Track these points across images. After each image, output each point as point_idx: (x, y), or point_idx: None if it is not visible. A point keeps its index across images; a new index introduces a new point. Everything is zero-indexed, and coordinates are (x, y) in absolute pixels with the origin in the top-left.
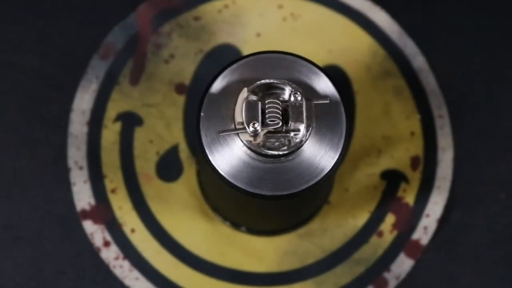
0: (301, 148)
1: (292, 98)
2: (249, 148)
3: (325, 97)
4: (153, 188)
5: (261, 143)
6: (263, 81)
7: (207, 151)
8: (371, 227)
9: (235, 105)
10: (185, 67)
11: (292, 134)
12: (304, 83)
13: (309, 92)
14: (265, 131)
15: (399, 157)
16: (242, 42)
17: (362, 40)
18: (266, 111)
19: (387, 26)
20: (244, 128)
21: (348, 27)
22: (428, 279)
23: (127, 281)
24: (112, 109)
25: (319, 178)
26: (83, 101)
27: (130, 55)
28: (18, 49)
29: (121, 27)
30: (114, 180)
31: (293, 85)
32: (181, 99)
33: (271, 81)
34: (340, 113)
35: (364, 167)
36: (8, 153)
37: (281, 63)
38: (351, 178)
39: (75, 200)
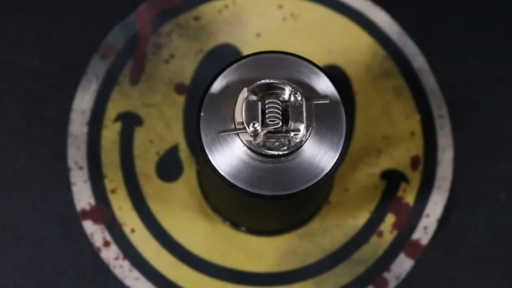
0: (301, 148)
1: (292, 98)
2: (249, 148)
3: (325, 97)
4: (153, 188)
5: (261, 143)
6: (263, 81)
7: (207, 151)
8: (371, 227)
9: (235, 105)
10: (185, 67)
11: (292, 134)
12: (304, 83)
13: (309, 92)
14: (265, 131)
15: (399, 157)
16: (242, 42)
17: (362, 40)
18: (266, 111)
19: (387, 26)
20: (244, 128)
21: (348, 27)
22: (428, 279)
23: (127, 281)
24: (112, 109)
25: (319, 178)
26: (83, 101)
27: (130, 55)
28: (18, 49)
29: (121, 27)
30: (114, 180)
31: (293, 85)
32: (181, 99)
33: (271, 81)
34: (340, 113)
35: (364, 167)
36: (8, 153)
37: (281, 63)
38: (351, 178)
39: (75, 200)
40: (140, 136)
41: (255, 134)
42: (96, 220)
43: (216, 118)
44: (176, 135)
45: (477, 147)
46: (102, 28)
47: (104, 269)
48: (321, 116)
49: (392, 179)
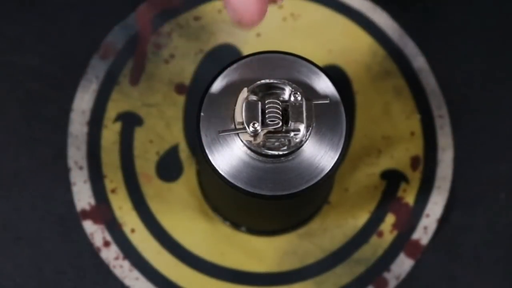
0: (301, 148)
1: (292, 98)
2: (249, 148)
3: (325, 97)
4: (153, 188)
5: (261, 143)
6: (263, 81)
7: (207, 151)
8: (371, 227)
9: (235, 105)
10: (185, 67)
11: (292, 134)
12: (304, 83)
13: (309, 92)
14: (265, 131)
15: (399, 157)
16: (242, 42)
17: (362, 40)
18: (266, 111)
19: (387, 26)
20: (244, 128)
21: (348, 27)
22: (428, 279)
23: (127, 281)
24: (112, 109)
25: (319, 178)
26: (83, 101)
27: (130, 55)
28: (18, 49)
29: (121, 27)
30: (114, 180)
31: (293, 85)
32: (181, 99)
33: (271, 81)
34: (340, 113)
35: (364, 167)
36: (8, 153)
37: (281, 63)
38: (351, 178)
39: (75, 200)
40: (140, 136)
41: (255, 134)
42: (96, 220)
43: (216, 118)
44: (176, 135)
45: (477, 147)
46: (102, 28)
47: (104, 269)
48: (321, 116)
49: (392, 179)
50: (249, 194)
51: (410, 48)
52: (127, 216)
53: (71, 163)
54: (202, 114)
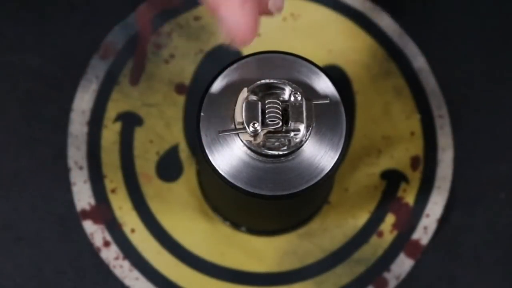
0: (301, 148)
1: (292, 98)
2: (249, 148)
3: (325, 97)
4: (153, 188)
5: (261, 143)
6: (263, 81)
7: (207, 151)
8: (371, 227)
9: (235, 105)
10: (185, 67)
11: (292, 134)
12: (304, 83)
13: (309, 92)
14: (265, 131)
15: (399, 157)
16: None
17: (362, 40)
18: (266, 111)
19: (387, 26)
20: (244, 128)
21: (348, 27)
22: (428, 279)
23: (127, 281)
24: (112, 109)
25: (319, 178)
26: (83, 101)
27: (130, 55)
28: (18, 49)
29: (121, 27)
30: (114, 180)
31: (293, 85)
32: (181, 99)
33: (271, 81)
34: (340, 113)
35: (364, 167)
36: (8, 153)
37: (281, 63)
38: (351, 178)
39: (75, 200)
40: (140, 136)
41: (255, 134)
42: (96, 220)
43: (216, 118)
44: (176, 135)
45: (477, 147)
46: (102, 28)
47: (104, 269)
48: (321, 116)
49: (392, 179)
50: (249, 194)
51: (410, 48)
52: (127, 216)
53: (71, 163)
54: (202, 114)
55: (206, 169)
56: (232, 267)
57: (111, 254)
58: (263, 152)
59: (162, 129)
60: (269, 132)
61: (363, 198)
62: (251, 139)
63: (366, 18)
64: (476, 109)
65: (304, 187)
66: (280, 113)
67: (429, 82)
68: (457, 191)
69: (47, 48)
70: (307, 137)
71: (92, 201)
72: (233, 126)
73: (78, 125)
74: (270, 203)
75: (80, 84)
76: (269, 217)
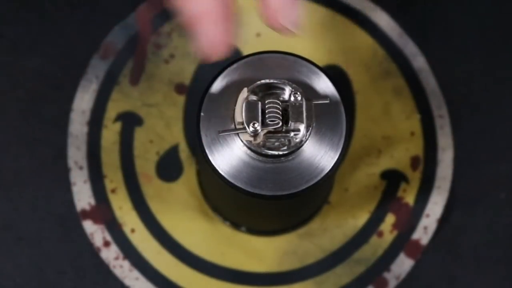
0: (301, 148)
1: (292, 98)
2: (249, 148)
3: (325, 97)
4: (153, 188)
5: (261, 143)
6: (263, 81)
7: (207, 151)
8: (371, 227)
9: (235, 105)
10: (185, 67)
11: (292, 134)
12: (304, 83)
13: (309, 92)
14: (265, 131)
15: (399, 157)
16: (242, 42)
17: (362, 40)
18: (266, 111)
19: (387, 26)
20: (244, 128)
21: (348, 27)
22: (428, 279)
23: (127, 281)
24: (112, 109)
25: (319, 178)
26: (83, 101)
27: (130, 55)
28: (18, 49)
29: (121, 27)
30: (114, 180)
31: (293, 85)
32: (181, 99)
33: (271, 81)
34: (340, 113)
35: (364, 167)
36: (8, 153)
37: (281, 63)
38: (351, 178)
39: (75, 200)
40: (140, 136)
41: (255, 134)
42: (96, 220)
43: (216, 118)
44: (176, 135)
45: (477, 147)
46: (102, 28)
47: (104, 269)
48: (321, 116)
49: (392, 179)
50: (249, 194)
51: (410, 48)
52: (127, 216)
53: (71, 163)
54: (202, 114)
55: (206, 169)
56: (232, 267)
57: (111, 254)
58: (263, 152)
59: (162, 129)
60: (269, 132)
61: (363, 198)
62: (251, 139)
63: (366, 18)
64: (476, 109)
65: (304, 187)
66: (280, 113)
67: (429, 82)
68: (457, 191)
69: (47, 48)
70: (307, 137)
71: (92, 201)
72: (233, 126)
73: (78, 125)
74: (270, 203)
75: (80, 84)
76: (269, 217)
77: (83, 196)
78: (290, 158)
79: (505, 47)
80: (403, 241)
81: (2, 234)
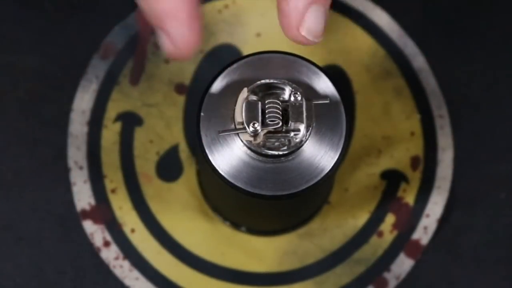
0: (301, 148)
1: (292, 98)
2: (249, 148)
3: (325, 97)
4: (153, 188)
5: (261, 143)
6: (263, 81)
7: (207, 151)
8: (371, 227)
9: (235, 105)
10: (185, 67)
11: (292, 134)
12: (304, 83)
13: (309, 92)
14: (265, 131)
15: (399, 157)
16: (242, 42)
17: (362, 40)
18: (266, 111)
19: (387, 26)
20: (244, 128)
21: (348, 27)
22: (428, 279)
23: (127, 281)
24: (112, 109)
25: (319, 178)
26: (83, 101)
27: (130, 55)
28: (18, 49)
29: (121, 27)
30: (114, 180)
31: (293, 85)
32: (181, 99)
33: (271, 81)
34: (340, 113)
35: (364, 167)
36: (8, 153)
37: (281, 63)
38: (351, 178)
39: (75, 200)
40: (140, 136)
41: (255, 134)
42: (96, 220)
43: (216, 118)
44: (176, 135)
45: (477, 147)
46: (102, 28)
47: (104, 269)
48: (321, 116)
49: (392, 179)
50: (249, 194)
51: (410, 48)
52: (127, 216)
53: (71, 163)
54: (202, 114)
55: (206, 169)
56: (232, 267)
57: (111, 254)
58: (263, 152)
59: (162, 129)
60: (269, 132)
61: (363, 198)
62: (251, 139)
63: (366, 18)
64: (476, 109)
65: (304, 187)
66: (280, 113)
67: (429, 82)
68: (457, 191)
69: (47, 48)
70: (307, 137)
71: (92, 201)
72: (233, 126)
73: (78, 125)
74: (270, 203)
75: (80, 84)
76: (269, 217)
77: (83, 196)
78: (290, 158)
79: (505, 47)
80: (403, 241)
81: (2, 234)
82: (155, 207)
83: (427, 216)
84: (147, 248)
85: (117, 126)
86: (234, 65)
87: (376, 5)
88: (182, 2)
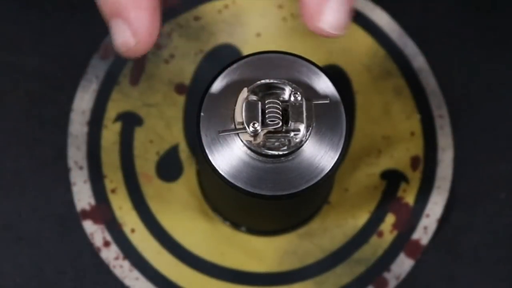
0: (301, 148)
1: (292, 98)
2: (249, 148)
3: (325, 97)
4: (153, 188)
5: (261, 143)
6: (263, 81)
7: (207, 151)
8: (371, 227)
9: (235, 105)
10: (185, 67)
11: (292, 134)
12: (304, 83)
13: (309, 92)
14: (265, 131)
15: (399, 157)
16: (242, 42)
17: (362, 40)
18: (266, 111)
19: (387, 26)
20: (244, 128)
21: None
22: (428, 279)
23: (127, 281)
24: (112, 109)
25: (319, 178)
26: (83, 101)
27: None
28: (18, 49)
29: None
30: (114, 180)
31: (293, 85)
32: (181, 99)
33: (271, 81)
34: (340, 113)
35: (364, 167)
36: (8, 153)
37: (281, 63)
38: (351, 178)
39: (75, 200)
40: (140, 136)
41: (255, 134)
42: (96, 220)
43: (216, 118)
44: (176, 135)
45: (477, 147)
46: (102, 28)
47: (104, 269)
48: (321, 116)
49: (392, 179)
50: (249, 194)
51: (410, 48)
52: (127, 216)
53: (71, 163)
54: (202, 114)
55: (206, 169)
56: (232, 267)
57: (111, 254)
58: (263, 152)
59: (162, 129)
60: (269, 132)
61: (363, 198)
62: (251, 139)
63: (366, 18)
64: (476, 109)
65: (304, 187)
66: (280, 113)
67: (429, 82)
68: (457, 191)
69: (47, 48)
70: (307, 137)
71: (92, 201)
72: (233, 126)
73: (78, 125)
74: (270, 203)
75: (80, 84)
76: (269, 217)
77: (83, 196)
78: (290, 158)
79: (505, 47)
80: (403, 241)
81: (2, 234)
82: (155, 207)
83: (427, 216)
84: (147, 248)
85: (117, 126)
86: (234, 65)
87: (376, 5)
88: None
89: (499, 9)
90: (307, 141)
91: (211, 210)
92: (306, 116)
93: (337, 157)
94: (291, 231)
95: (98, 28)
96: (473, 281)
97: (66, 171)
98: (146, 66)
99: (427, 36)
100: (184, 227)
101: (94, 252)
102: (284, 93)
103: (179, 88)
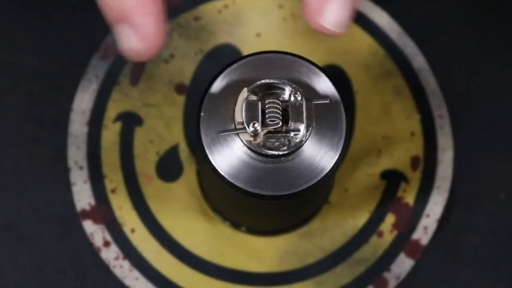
0: (301, 148)
1: (292, 98)
2: (249, 148)
3: (325, 97)
4: (153, 188)
5: (261, 143)
6: (263, 81)
7: (207, 151)
8: (371, 227)
9: (235, 105)
10: (185, 67)
11: (292, 134)
12: (304, 83)
13: (309, 92)
14: (265, 131)
15: (399, 157)
16: (242, 42)
17: (362, 40)
18: (266, 111)
19: (387, 26)
20: (244, 128)
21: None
22: (428, 279)
23: (127, 281)
24: (112, 109)
25: (319, 178)
26: (83, 101)
27: None
28: (18, 49)
29: None
30: (114, 180)
31: (293, 85)
32: (181, 99)
33: (271, 81)
34: (340, 113)
35: (364, 167)
36: (8, 153)
37: (281, 63)
38: (351, 178)
39: (75, 200)
40: (140, 136)
41: (255, 134)
42: (96, 220)
43: (216, 118)
44: (176, 135)
45: (477, 147)
46: (102, 28)
47: (104, 269)
48: (321, 116)
49: (392, 179)
50: (249, 194)
51: (410, 48)
52: (127, 216)
53: (71, 163)
54: (202, 114)
55: (206, 169)
56: (232, 267)
57: (111, 254)
58: (263, 152)
59: (162, 129)
60: (269, 132)
61: (363, 198)
62: (251, 139)
63: (366, 18)
64: (476, 109)
65: (304, 187)
66: (280, 113)
67: (429, 82)
68: (457, 191)
69: (47, 48)
70: (307, 137)
71: (92, 201)
72: (233, 126)
73: (78, 125)
74: (270, 203)
75: (80, 84)
76: (269, 217)
77: (83, 196)
78: (290, 158)
79: (505, 47)
80: (403, 241)
81: (2, 234)
82: (155, 207)
83: (427, 216)
84: (147, 248)
85: (117, 126)
86: (234, 65)
87: (376, 5)
88: None
89: (499, 9)
90: (307, 141)
91: (211, 210)
92: (306, 116)
93: (337, 157)
94: (291, 231)
95: (98, 28)
96: (473, 281)
97: (66, 171)
98: (146, 66)
99: (427, 36)
100: (184, 227)
101: (94, 252)
102: (284, 93)
103: (179, 88)
